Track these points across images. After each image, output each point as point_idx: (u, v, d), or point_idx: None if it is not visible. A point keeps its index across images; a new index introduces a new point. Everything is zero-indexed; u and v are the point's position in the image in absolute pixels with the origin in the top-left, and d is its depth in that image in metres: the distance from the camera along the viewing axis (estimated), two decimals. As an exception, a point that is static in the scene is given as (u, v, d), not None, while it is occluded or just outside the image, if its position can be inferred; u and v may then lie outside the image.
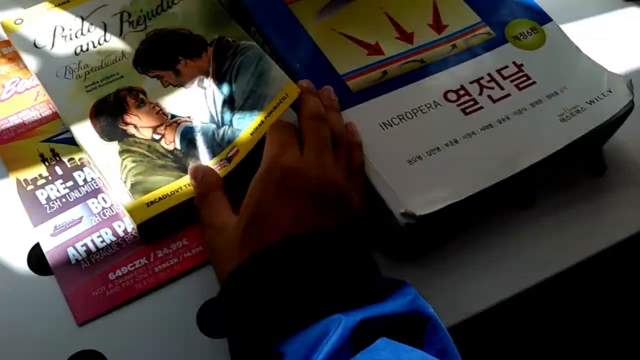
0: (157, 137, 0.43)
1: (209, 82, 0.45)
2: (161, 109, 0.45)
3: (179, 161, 0.42)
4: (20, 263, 0.40)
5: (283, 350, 0.30)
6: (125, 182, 0.41)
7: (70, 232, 0.41)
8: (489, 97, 0.44)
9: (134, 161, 0.42)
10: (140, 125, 0.44)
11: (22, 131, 0.46)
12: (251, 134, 0.42)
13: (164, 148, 0.43)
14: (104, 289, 0.39)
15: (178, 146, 0.43)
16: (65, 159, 0.44)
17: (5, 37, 0.50)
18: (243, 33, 0.47)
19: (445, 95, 0.44)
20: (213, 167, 0.42)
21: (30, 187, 0.43)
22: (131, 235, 0.41)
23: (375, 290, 0.32)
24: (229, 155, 0.42)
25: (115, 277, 0.39)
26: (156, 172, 0.42)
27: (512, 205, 0.44)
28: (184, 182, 0.41)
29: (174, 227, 0.41)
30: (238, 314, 0.33)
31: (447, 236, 0.42)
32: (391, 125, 0.42)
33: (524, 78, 0.45)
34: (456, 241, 0.42)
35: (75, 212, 0.41)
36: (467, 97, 0.43)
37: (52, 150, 0.44)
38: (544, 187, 0.44)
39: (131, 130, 0.44)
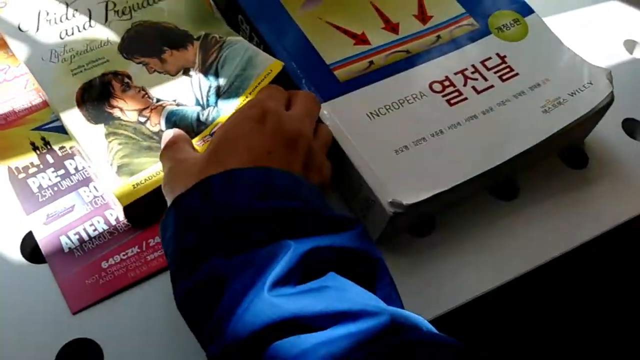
0: (142, 119, 0.44)
1: (194, 72, 0.46)
2: (146, 93, 0.45)
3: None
4: (13, 251, 0.40)
5: (229, 271, 0.29)
6: (111, 165, 0.41)
7: (63, 221, 0.41)
8: (473, 88, 0.45)
9: (119, 143, 0.42)
10: (126, 108, 0.44)
11: (12, 119, 0.45)
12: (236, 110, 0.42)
13: (149, 130, 0.43)
14: (97, 277, 0.39)
15: (163, 128, 0.43)
16: (56, 147, 0.44)
17: None
18: (229, 31, 0.48)
19: (430, 86, 0.45)
20: (196, 143, 0.42)
21: (21, 175, 0.43)
22: (123, 223, 0.42)
23: (328, 224, 0.31)
24: (212, 131, 0.43)
25: (108, 265, 0.40)
26: (142, 154, 0.42)
27: (496, 196, 0.45)
28: None
29: (161, 209, 0.41)
30: (185, 231, 0.32)
31: (430, 224, 0.43)
32: (378, 115, 0.43)
33: (507, 69, 0.46)
34: (439, 231, 0.43)
35: (68, 200, 0.42)
36: (452, 88, 0.44)
37: (43, 139, 0.44)
38: (526, 179, 0.46)
39: (117, 113, 0.44)
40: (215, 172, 0.33)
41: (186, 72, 0.46)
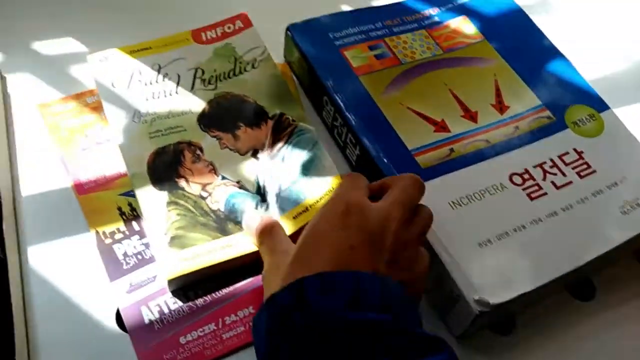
0: (204, 194, 0.44)
1: (263, 155, 0.47)
2: (214, 169, 0.46)
3: (219, 222, 0.43)
4: (98, 316, 0.40)
5: None
6: (166, 234, 0.42)
7: (145, 291, 0.41)
8: (553, 183, 0.45)
9: (178, 214, 0.43)
10: (191, 180, 0.45)
11: (102, 182, 0.46)
12: (294, 218, 0.43)
13: (208, 207, 0.44)
14: (175, 353, 0.39)
15: (222, 208, 0.44)
16: (141, 215, 0.45)
17: (89, 87, 0.51)
18: (302, 114, 0.49)
19: (510, 177, 0.45)
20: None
21: (108, 241, 0.43)
22: (201, 299, 0.42)
23: (416, 343, 0.31)
24: None
25: (185, 341, 0.40)
26: (196, 229, 0.42)
27: (572, 294, 0.45)
28: (220, 244, 0.42)
29: (204, 288, 0.42)
30: (277, 334, 0.32)
31: (511, 323, 0.43)
32: (460, 205, 0.43)
33: (585, 166, 0.46)
34: (520, 330, 0.43)
35: (150, 269, 0.42)
36: (531, 182, 0.45)
37: (130, 205, 0.45)
38: (603, 279, 0.46)
39: (182, 183, 0.45)
40: (302, 272, 0.33)
41: (255, 153, 0.47)
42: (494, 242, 0.41)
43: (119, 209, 0.45)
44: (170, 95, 0.49)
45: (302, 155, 0.46)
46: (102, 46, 0.51)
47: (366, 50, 0.52)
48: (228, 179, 0.45)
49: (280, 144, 0.47)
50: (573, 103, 0.50)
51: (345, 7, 0.62)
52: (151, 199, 0.43)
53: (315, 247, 0.35)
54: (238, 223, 0.43)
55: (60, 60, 0.54)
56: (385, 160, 0.45)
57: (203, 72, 0.51)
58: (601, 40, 0.65)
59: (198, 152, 0.46)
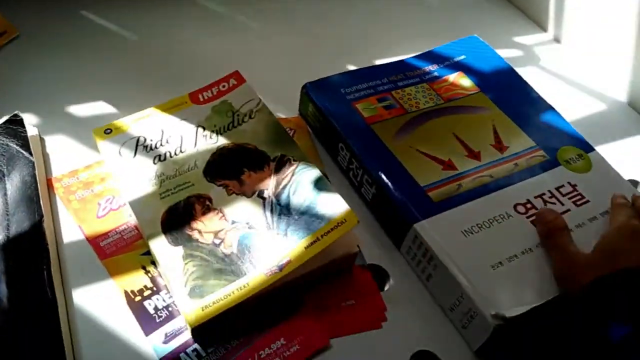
0: (217, 241, 0.46)
1: (268, 193, 0.48)
2: (223, 215, 0.47)
3: (234, 264, 0.44)
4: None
5: None
6: (185, 286, 0.43)
7: (180, 339, 0.44)
8: (552, 211, 0.50)
9: (194, 265, 0.44)
10: (204, 230, 0.46)
11: (122, 245, 0.49)
12: (306, 248, 0.44)
13: (222, 252, 0.45)
14: (220, 391, 0.41)
15: (235, 250, 0.45)
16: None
17: (96, 158, 0.54)
18: (303, 154, 0.51)
19: (515, 207, 0.50)
20: (264, 272, 0.44)
21: (137, 298, 0.46)
22: (234, 340, 0.44)
23: None
24: (280, 263, 0.44)
25: (225, 380, 0.42)
26: (213, 276, 0.44)
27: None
28: (236, 286, 0.43)
29: (226, 331, 0.44)
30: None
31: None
32: (472, 233, 0.48)
33: (579, 196, 0.52)
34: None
35: (183, 319, 0.44)
36: (534, 211, 0.50)
37: (153, 263, 0.48)
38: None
39: (195, 235, 0.46)
40: (606, 271, 0.42)
41: (260, 194, 0.49)
42: (505, 263, 0.46)
43: (143, 267, 0.48)
44: (176, 154, 0.52)
45: (307, 189, 0.48)
46: (105, 120, 0.54)
47: (375, 102, 0.58)
48: (238, 222, 0.47)
49: (284, 182, 0.49)
50: (563, 145, 0.56)
51: (351, 67, 0.68)
52: (168, 255, 0.45)
53: (612, 256, 0.44)
54: (252, 262, 0.45)
55: (66, 133, 0.58)
56: (400, 197, 0.50)
57: (204, 129, 0.53)
58: (580, 85, 0.73)
59: (207, 202, 0.48)
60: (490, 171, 0.53)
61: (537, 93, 0.62)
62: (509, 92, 0.61)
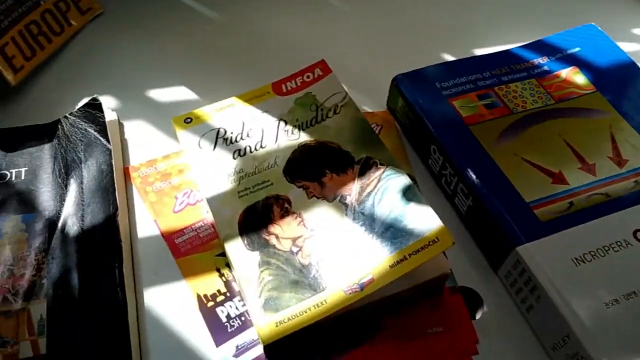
0: (295, 249, 0.43)
1: (351, 199, 0.45)
2: (302, 220, 0.44)
3: (311, 277, 0.41)
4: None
5: None
6: (260, 297, 0.40)
7: (252, 353, 0.41)
8: (681, 241, 0.43)
9: (270, 274, 0.41)
10: (282, 235, 0.43)
11: (197, 244, 0.46)
12: (390, 266, 0.40)
13: (299, 262, 0.42)
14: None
15: (313, 261, 0.42)
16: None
17: (175, 148, 0.52)
18: (391, 157, 0.46)
19: (634, 234, 0.43)
20: (344, 289, 0.40)
21: (210, 304, 0.43)
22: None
23: None
24: (362, 281, 0.40)
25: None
26: (289, 289, 0.41)
27: None
28: (313, 302, 0.40)
29: (299, 350, 0.41)
30: None
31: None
32: (584, 262, 0.42)
33: None
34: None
35: (255, 331, 0.41)
36: (658, 239, 0.43)
37: (229, 265, 0.45)
38: None
39: (273, 240, 0.43)
40: None
41: (342, 199, 0.45)
42: (622, 301, 0.40)
43: (218, 269, 0.45)
44: (256, 149, 0.48)
45: (395, 198, 0.44)
46: (184, 107, 0.52)
47: (475, 99, 0.52)
48: (317, 230, 0.43)
49: (369, 189, 0.45)
50: (694, 158, 0.48)
51: (448, 57, 0.62)
52: (244, 260, 0.42)
53: None
54: (330, 276, 0.41)
55: (145, 119, 0.56)
56: (502, 213, 0.44)
57: (286, 123, 0.50)
58: None
59: (286, 205, 0.45)
60: (606, 188, 0.46)
61: (664, 94, 0.54)
62: (630, 93, 0.53)
